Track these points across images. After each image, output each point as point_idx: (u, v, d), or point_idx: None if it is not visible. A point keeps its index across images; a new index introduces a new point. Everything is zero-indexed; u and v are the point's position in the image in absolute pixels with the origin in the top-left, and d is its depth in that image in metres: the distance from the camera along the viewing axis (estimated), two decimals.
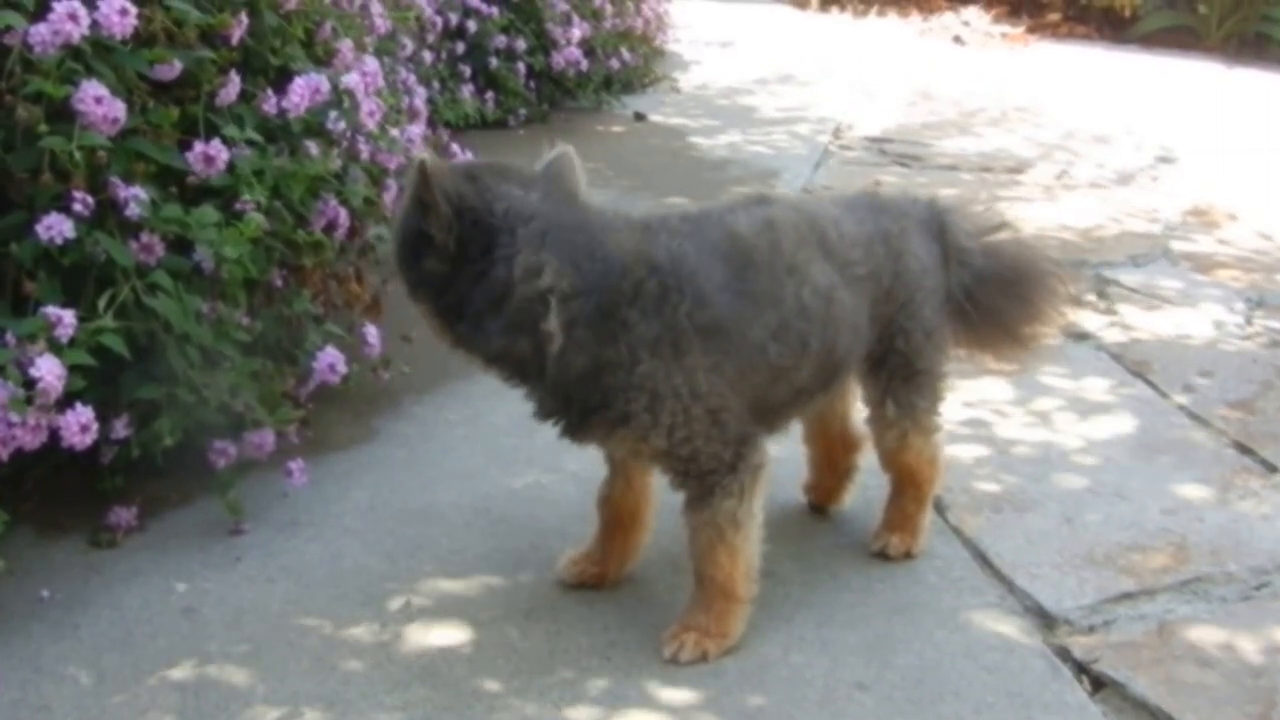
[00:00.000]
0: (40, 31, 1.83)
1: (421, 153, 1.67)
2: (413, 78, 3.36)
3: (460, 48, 4.71)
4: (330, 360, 2.21)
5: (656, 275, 1.65)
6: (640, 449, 1.74)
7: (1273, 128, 5.53)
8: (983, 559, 2.05)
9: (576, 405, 1.70)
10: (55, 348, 1.73)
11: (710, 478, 1.72)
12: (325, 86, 2.27)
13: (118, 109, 1.89)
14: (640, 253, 1.67)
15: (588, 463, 1.94)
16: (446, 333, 1.70)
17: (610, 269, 1.64)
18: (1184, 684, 1.74)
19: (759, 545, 1.78)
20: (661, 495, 1.91)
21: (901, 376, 1.93)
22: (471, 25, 4.73)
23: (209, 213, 2.00)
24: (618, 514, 1.91)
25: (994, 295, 2.01)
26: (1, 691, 1.65)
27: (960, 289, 1.99)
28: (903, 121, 5.54)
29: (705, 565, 1.76)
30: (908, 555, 2.02)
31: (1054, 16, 8.38)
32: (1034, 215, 4.05)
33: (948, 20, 8.35)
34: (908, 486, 2.03)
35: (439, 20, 4.52)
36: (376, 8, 2.95)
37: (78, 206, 1.86)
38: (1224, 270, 3.59)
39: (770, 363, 1.74)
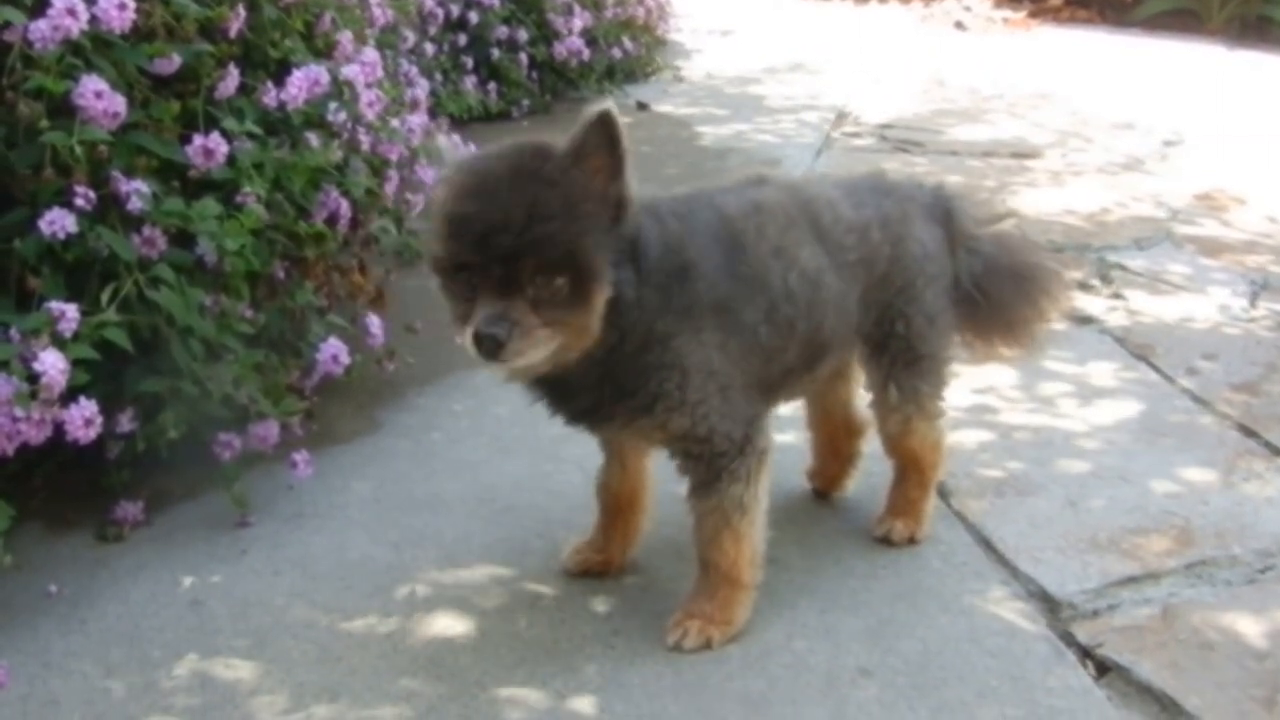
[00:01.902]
0: (40, 27, 1.84)
1: (602, 104, 1.49)
2: (415, 69, 3.36)
3: (462, 39, 4.71)
4: (333, 351, 2.22)
5: (675, 254, 1.65)
6: (654, 435, 1.73)
7: (1277, 112, 5.51)
8: (986, 544, 2.05)
9: (610, 388, 1.66)
10: (59, 342, 1.74)
11: (720, 460, 1.72)
12: (324, 78, 2.27)
13: (118, 103, 1.89)
14: (662, 231, 1.66)
15: (591, 452, 1.95)
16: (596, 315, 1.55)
17: (650, 244, 1.63)
18: (1189, 668, 1.74)
19: (763, 531, 1.78)
20: (663, 484, 1.91)
21: (904, 361, 1.93)
22: (473, 16, 4.73)
23: (210, 205, 2.01)
24: (616, 500, 1.92)
25: (1002, 286, 2.01)
26: (8, 685, 1.66)
27: (969, 277, 1.98)
28: (905, 108, 5.52)
29: (710, 551, 1.76)
30: (911, 540, 2.03)
31: (1055, 1, 8.36)
32: (1040, 200, 4.04)
33: (949, 6, 8.33)
34: (911, 472, 2.03)
35: (440, 12, 4.52)
36: None
37: (80, 201, 1.86)
38: (1229, 254, 3.58)
39: (763, 344, 1.74)
